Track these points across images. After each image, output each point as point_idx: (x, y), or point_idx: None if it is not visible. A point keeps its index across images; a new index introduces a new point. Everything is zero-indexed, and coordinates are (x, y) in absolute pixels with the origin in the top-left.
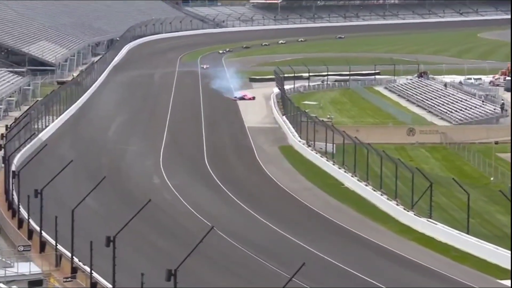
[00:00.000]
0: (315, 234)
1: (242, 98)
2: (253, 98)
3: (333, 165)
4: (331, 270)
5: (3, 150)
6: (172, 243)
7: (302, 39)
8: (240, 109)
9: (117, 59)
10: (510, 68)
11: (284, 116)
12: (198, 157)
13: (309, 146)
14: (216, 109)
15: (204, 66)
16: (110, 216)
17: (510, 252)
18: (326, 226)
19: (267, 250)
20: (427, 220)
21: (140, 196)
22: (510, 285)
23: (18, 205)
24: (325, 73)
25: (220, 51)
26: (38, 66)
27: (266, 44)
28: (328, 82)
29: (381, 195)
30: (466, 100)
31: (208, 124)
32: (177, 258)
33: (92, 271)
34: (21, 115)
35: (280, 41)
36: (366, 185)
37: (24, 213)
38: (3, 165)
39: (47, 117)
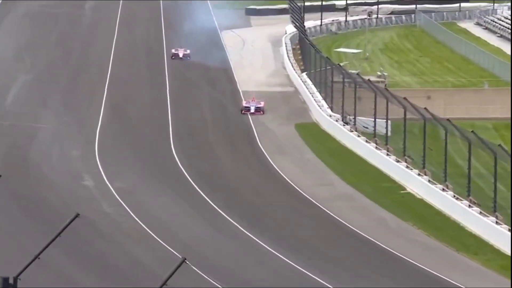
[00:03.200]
0: (362, 274)
1: (247, 109)
2: (262, 111)
3: (388, 155)
4: None
5: None
6: (115, 286)
7: None
8: (230, 61)
9: None
10: None
11: (304, 74)
12: (159, 142)
13: (347, 123)
14: (190, 62)
15: (181, 54)
16: (9, 241)
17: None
18: (381, 261)
19: None
20: None
21: (61, 208)
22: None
23: None
24: None
25: None
26: None
27: None
28: (380, 16)
29: (470, 206)
30: None
31: (176, 89)
32: None
33: None
34: None
35: None
36: (443, 190)
37: None
38: None
39: None
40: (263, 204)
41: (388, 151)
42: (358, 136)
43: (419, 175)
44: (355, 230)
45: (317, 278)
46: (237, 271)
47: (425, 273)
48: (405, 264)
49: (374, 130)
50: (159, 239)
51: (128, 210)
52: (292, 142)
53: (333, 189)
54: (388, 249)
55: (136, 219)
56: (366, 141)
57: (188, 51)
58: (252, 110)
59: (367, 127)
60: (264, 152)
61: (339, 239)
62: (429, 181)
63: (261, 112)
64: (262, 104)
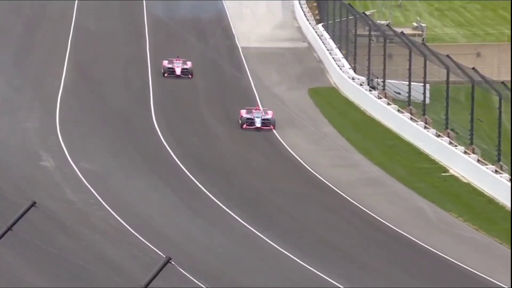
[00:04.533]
0: (395, 279)
1: (249, 122)
2: (272, 125)
3: (426, 128)
4: None
5: None
6: None
7: None
8: (226, 9)
9: None
10: None
11: (320, 26)
12: (137, 113)
13: (374, 87)
14: (177, 7)
15: (178, 70)
16: None
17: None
18: (418, 262)
19: None
20: None
21: (14, 195)
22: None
23: None
24: None
25: None
26: None
27: None
28: None
29: None
30: None
31: (159, 44)
32: None
33: None
34: None
35: None
36: (496, 172)
37: None
38: None
39: None
40: (269, 191)
41: (426, 122)
42: (388, 104)
43: (465, 153)
44: (385, 223)
45: (337, 284)
46: (235, 275)
47: (473, 276)
48: (448, 265)
49: (409, 96)
50: (137, 234)
51: (98, 197)
52: (305, 112)
53: (357, 171)
54: (427, 247)
55: (109, 208)
56: (399, 110)
57: (189, 64)
58: (258, 124)
59: (399, 93)
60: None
61: (365, 235)
62: (478, 160)
63: (271, 127)
64: (270, 115)
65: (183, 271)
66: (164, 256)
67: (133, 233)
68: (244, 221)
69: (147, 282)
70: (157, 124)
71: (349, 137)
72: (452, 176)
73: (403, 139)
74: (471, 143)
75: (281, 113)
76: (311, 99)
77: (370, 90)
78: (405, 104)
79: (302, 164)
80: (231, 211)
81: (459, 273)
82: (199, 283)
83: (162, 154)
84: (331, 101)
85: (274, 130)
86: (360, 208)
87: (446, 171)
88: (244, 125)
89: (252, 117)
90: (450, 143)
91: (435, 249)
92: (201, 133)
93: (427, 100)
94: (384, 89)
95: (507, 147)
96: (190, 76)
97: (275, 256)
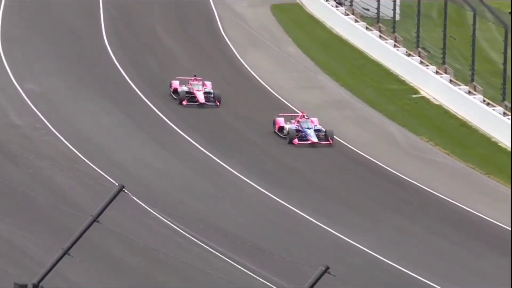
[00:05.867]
0: (363, 209)
1: (300, 135)
2: (331, 140)
3: (395, 47)
4: None
5: None
6: (30, 226)
7: None
8: None
9: None
10: None
11: None
12: (85, 28)
13: (340, 3)
14: None
15: (201, 96)
16: None
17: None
18: (386, 189)
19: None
20: None
21: None
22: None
23: None
24: None
25: None
26: None
27: None
28: None
29: (505, 114)
30: None
31: None
32: None
33: None
34: None
35: None
36: (469, 93)
37: None
38: None
39: None
40: (230, 115)
41: (395, 41)
42: (356, 21)
43: (437, 73)
44: (352, 148)
45: (303, 214)
46: (194, 205)
47: (446, 204)
48: (419, 192)
49: (378, 13)
50: (87, 161)
51: (45, 121)
52: (267, 30)
53: (323, 93)
54: (397, 173)
55: (56, 133)
56: (367, 28)
57: (209, 86)
58: (314, 138)
59: (367, 9)
60: (230, 44)
61: (331, 161)
62: (450, 81)
63: (331, 141)
64: (316, 122)
65: (138, 200)
66: (117, 184)
67: (83, 160)
68: (204, 148)
69: (98, 212)
70: (108, 42)
71: (315, 58)
72: (423, 97)
73: (371, 59)
74: (443, 62)
75: (242, 32)
76: (274, 16)
77: (336, 7)
78: (373, 21)
79: (264, 86)
80: (189, 137)
81: (430, 200)
82: (154, 213)
83: (113, 74)
84: (295, 19)
85: (236, 53)
86: (343, 143)
87: (416, 92)
88: (295, 141)
89: (301, 128)
90: (421, 63)
91: (405, 175)
92: (156, 52)
93: (397, 17)
94: (351, 5)
95: (480, 66)
96: (217, 104)
97: (237, 185)
